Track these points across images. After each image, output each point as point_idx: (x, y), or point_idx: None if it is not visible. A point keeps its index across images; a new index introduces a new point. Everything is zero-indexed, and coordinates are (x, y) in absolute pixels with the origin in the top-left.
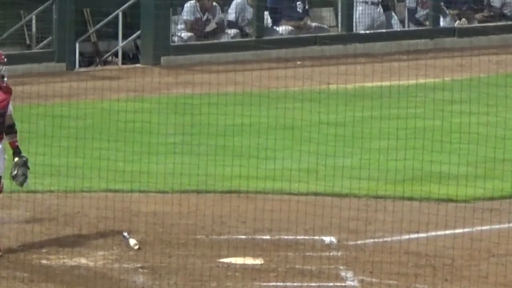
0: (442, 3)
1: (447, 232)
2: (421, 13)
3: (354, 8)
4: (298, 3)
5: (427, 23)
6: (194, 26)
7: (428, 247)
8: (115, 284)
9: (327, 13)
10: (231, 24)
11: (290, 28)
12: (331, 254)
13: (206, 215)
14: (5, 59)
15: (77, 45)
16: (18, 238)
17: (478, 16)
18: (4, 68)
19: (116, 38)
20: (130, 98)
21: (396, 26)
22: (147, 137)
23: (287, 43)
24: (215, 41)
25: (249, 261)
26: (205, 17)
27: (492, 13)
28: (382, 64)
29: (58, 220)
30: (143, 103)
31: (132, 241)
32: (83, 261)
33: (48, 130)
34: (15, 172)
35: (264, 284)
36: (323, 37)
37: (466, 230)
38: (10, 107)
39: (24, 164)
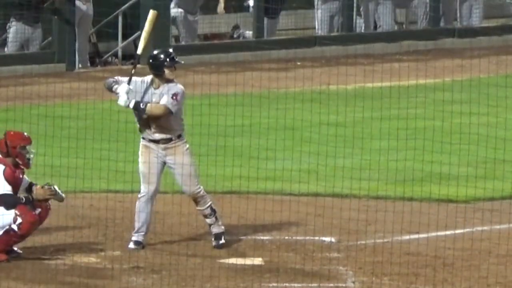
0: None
1: (448, 232)
2: None
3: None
4: None
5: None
6: None
7: (428, 247)
8: (115, 284)
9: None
10: None
11: None
12: (331, 254)
13: None
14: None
15: (76, 45)
16: None
17: None
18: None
19: (116, 38)
20: None
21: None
22: None
23: (287, 44)
24: (215, 41)
25: (249, 261)
26: None
27: None
28: (382, 64)
29: (58, 220)
30: None
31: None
32: (83, 261)
33: (48, 131)
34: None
35: (264, 284)
36: (323, 38)
37: (466, 230)
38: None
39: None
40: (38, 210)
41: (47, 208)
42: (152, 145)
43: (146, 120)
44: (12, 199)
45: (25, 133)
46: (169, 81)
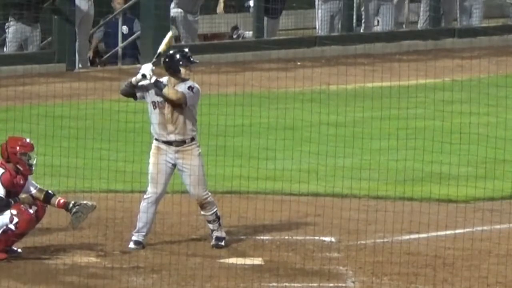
0: None
1: (448, 232)
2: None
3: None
4: None
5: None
6: None
7: (428, 247)
8: (115, 284)
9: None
10: None
11: None
12: (331, 254)
13: None
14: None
15: (76, 45)
16: None
17: None
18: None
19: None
20: (130, 98)
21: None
22: (147, 137)
23: (287, 44)
24: (215, 41)
25: (249, 261)
26: None
27: None
28: (382, 64)
29: (58, 221)
30: (143, 103)
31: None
32: (83, 261)
33: (48, 131)
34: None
35: (264, 284)
36: (324, 38)
37: (466, 230)
38: (31, 188)
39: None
40: (35, 209)
41: (44, 206)
42: (164, 146)
43: (163, 120)
44: (2, 202)
45: (27, 139)
46: (185, 80)
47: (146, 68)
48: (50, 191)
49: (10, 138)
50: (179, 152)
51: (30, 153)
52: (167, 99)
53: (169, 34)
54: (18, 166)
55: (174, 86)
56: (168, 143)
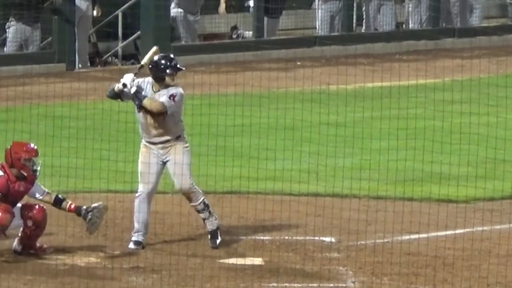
0: None
1: (448, 232)
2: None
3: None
4: None
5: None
6: None
7: (428, 247)
8: (115, 284)
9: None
10: None
11: None
12: (331, 254)
13: None
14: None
15: (76, 45)
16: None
17: None
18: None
19: (116, 38)
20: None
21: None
22: None
23: (287, 44)
24: (215, 41)
25: (249, 261)
26: None
27: None
28: (382, 64)
29: (58, 220)
30: None
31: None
32: (83, 261)
33: (48, 131)
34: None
35: (264, 284)
36: (324, 38)
37: (466, 230)
38: (37, 194)
39: (92, 214)
40: (30, 223)
41: (43, 209)
42: (151, 145)
43: (146, 123)
44: None
45: (32, 145)
46: (168, 86)
47: (127, 78)
48: (60, 196)
49: (14, 143)
50: (165, 148)
51: (34, 158)
52: (147, 110)
53: (153, 49)
54: (22, 172)
55: (158, 90)
56: (154, 143)
